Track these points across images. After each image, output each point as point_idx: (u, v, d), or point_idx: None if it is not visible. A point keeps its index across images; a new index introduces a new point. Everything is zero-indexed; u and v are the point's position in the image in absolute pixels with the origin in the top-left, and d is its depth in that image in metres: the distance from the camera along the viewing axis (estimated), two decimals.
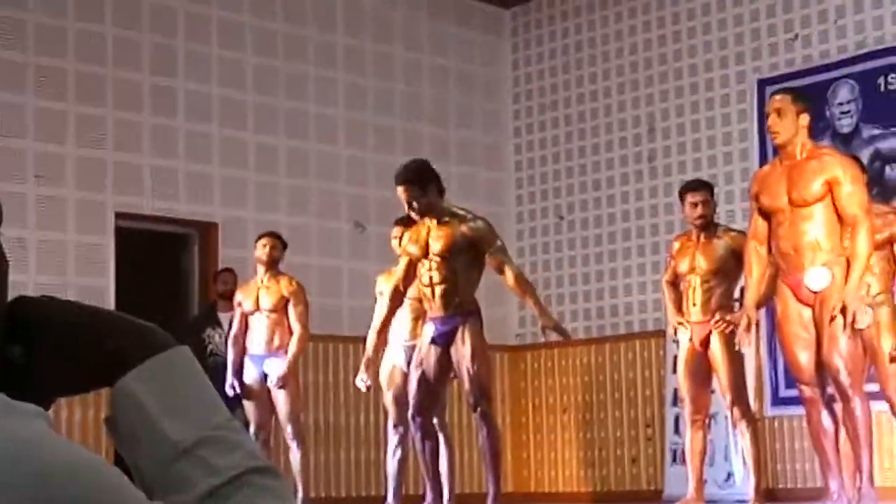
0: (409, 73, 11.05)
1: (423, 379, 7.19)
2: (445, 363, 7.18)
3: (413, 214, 7.15)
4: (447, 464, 8.01)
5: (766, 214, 6.31)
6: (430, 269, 7.10)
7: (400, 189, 7.09)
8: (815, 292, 6.07)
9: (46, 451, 0.89)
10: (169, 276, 9.50)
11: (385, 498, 8.55)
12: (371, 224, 10.49)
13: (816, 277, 6.05)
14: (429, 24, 11.22)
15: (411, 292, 7.62)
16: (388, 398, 8.36)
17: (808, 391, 6.20)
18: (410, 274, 7.25)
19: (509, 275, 7.03)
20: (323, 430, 10.03)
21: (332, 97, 10.57)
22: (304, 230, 10.22)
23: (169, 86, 9.73)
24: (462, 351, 7.08)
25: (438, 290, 7.07)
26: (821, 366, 6.16)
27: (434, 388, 7.27)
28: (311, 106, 10.45)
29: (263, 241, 8.57)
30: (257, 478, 1.07)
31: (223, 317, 9.19)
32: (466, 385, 7.13)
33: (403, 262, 7.27)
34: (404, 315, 8.10)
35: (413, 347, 8.02)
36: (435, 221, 7.09)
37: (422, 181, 7.01)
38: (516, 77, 11.58)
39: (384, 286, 8.42)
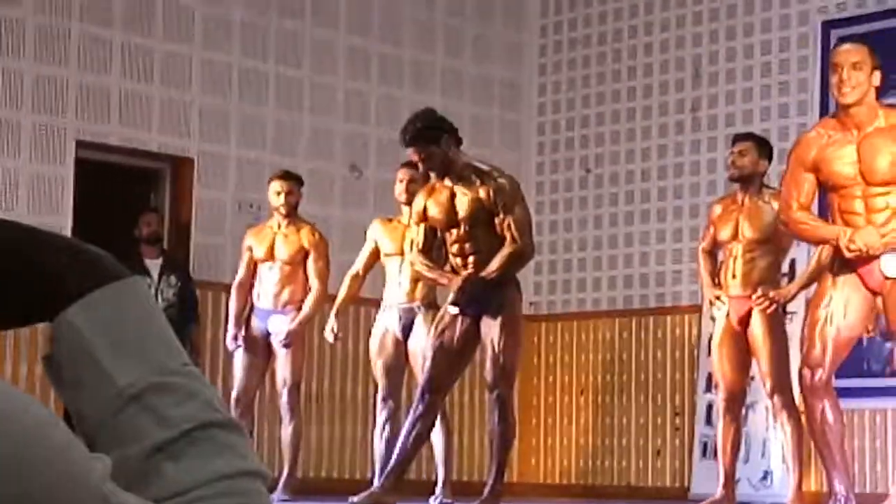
0: None
1: (441, 351, 7.03)
2: (472, 336, 7.01)
3: (432, 177, 7.05)
4: (444, 449, 8.01)
5: (824, 186, 6.23)
6: (460, 240, 7.01)
7: (410, 150, 6.99)
8: (888, 278, 6.03)
9: None
10: (136, 216, 9.48)
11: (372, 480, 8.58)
12: (370, 168, 10.47)
13: (893, 263, 6.01)
14: None
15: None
16: (377, 367, 8.33)
17: (813, 376, 6.12)
18: (432, 240, 7.16)
19: (506, 247, 6.91)
20: (315, 399, 10.00)
21: (331, 20, 10.52)
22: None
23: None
24: (491, 321, 6.93)
25: (472, 259, 6.99)
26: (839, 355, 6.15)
27: (454, 365, 7.10)
28: (308, 28, 10.40)
29: (276, 186, 8.52)
30: (216, 433, 1.06)
31: (150, 264, 9.11)
32: (488, 361, 6.96)
33: (422, 228, 7.15)
34: (403, 274, 8.08)
35: (410, 311, 8.00)
36: (457, 182, 6.98)
37: (435, 137, 6.86)
38: (544, 6, 11.51)
39: (378, 233, 8.38)
